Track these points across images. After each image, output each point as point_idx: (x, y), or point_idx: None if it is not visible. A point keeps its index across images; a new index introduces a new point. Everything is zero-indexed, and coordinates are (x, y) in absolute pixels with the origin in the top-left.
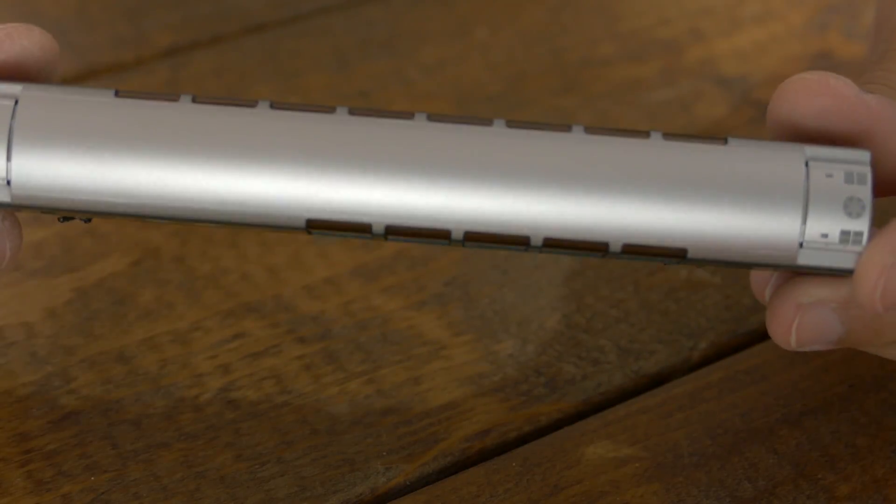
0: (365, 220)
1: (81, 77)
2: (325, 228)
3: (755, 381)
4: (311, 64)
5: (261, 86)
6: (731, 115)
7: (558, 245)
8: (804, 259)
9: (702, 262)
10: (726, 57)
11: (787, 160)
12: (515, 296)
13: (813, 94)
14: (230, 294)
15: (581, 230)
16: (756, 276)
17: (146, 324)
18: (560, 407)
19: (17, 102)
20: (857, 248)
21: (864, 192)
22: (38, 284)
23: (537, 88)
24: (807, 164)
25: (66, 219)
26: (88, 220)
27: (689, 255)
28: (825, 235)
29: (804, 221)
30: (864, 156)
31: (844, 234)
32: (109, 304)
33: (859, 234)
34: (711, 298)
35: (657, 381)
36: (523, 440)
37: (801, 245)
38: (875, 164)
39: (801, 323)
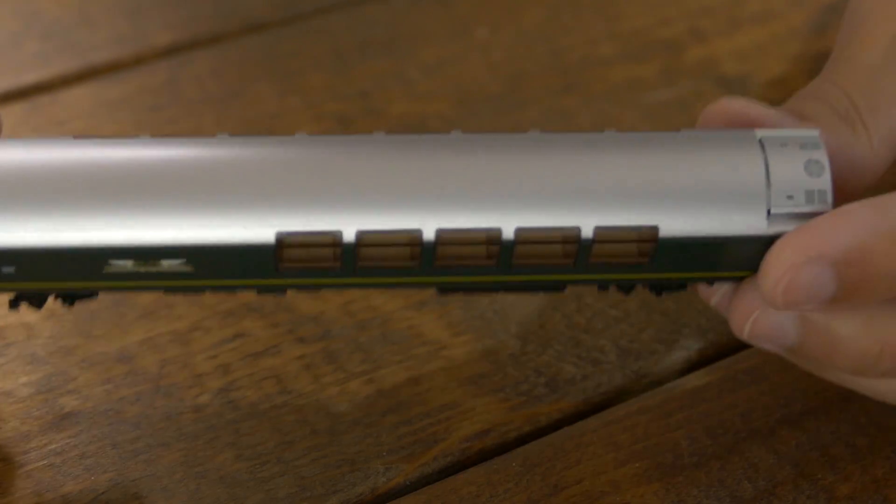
0: (335, 227)
1: (81, 77)
2: (296, 246)
3: (755, 381)
4: (311, 64)
5: (261, 86)
6: None
7: (529, 241)
8: (774, 227)
9: (673, 248)
10: (726, 57)
11: (741, 138)
12: (515, 296)
13: (733, 124)
14: (230, 294)
15: (551, 216)
16: (734, 314)
17: (146, 324)
18: (560, 407)
19: None
20: (825, 208)
21: (821, 155)
22: None
23: (537, 88)
24: (760, 141)
25: (14, 302)
26: (40, 304)
27: (662, 232)
28: (791, 197)
29: (768, 185)
30: (813, 132)
31: (809, 194)
32: (109, 304)
33: (823, 192)
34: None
35: (657, 381)
36: (523, 440)
37: (769, 213)
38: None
39: (759, 317)
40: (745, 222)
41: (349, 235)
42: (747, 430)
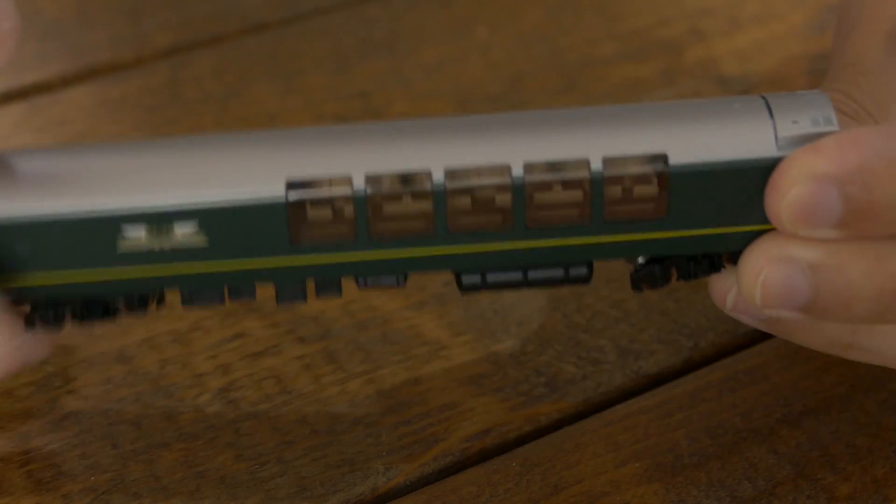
0: (345, 172)
1: (81, 77)
2: (305, 186)
3: (755, 381)
4: (311, 64)
5: (261, 86)
6: None
7: (537, 170)
8: (783, 150)
9: (683, 177)
10: (726, 57)
11: (745, 98)
12: (515, 296)
13: None
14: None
15: (559, 149)
16: (716, 284)
17: (146, 324)
18: (560, 407)
19: None
20: (831, 128)
21: (824, 101)
22: None
23: (537, 88)
24: (763, 96)
25: (30, 319)
26: (58, 321)
27: (671, 160)
28: (796, 122)
29: (772, 115)
30: (818, 93)
31: (814, 119)
32: None
33: (828, 116)
34: (711, 298)
35: (657, 381)
36: (523, 440)
37: (776, 137)
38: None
39: (767, 277)
40: (753, 145)
41: (358, 180)
42: (747, 430)
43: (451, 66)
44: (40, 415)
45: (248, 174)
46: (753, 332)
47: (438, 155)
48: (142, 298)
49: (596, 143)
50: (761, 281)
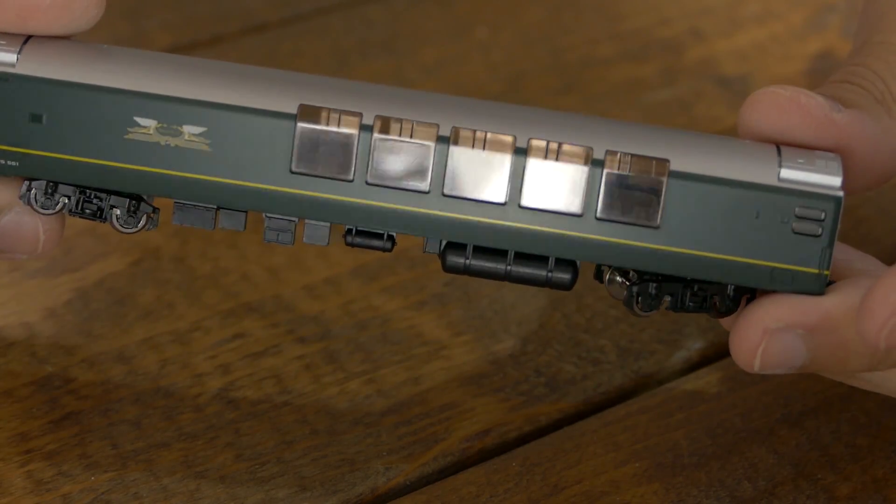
0: (356, 108)
1: None
2: (316, 113)
3: (755, 381)
4: (311, 64)
5: None
6: (730, 115)
7: (537, 149)
8: (787, 173)
9: (682, 185)
10: (726, 57)
11: (759, 145)
12: (515, 296)
13: (782, 111)
14: (230, 294)
15: (565, 132)
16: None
17: (146, 324)
18: (560, 407)
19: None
20: (835, 173)
21: (836, 158)
22: (38, 284)
23: (537, 88)
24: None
25: (27, 191)
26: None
27: (672, 166)
28: (801, 161)
29: (779, 153)
30: (833, 158)
31: (821, 161)
32: (109, 304)
33: (833, 163)
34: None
35: (657, 381)
36: (523, 440)
37: (780, 164)
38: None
39: (766, 348)
40: (755, 170)
41: (368, 118)
42: (747, 430)
43: (451, 66)
44: (40, 415)
45: (265, 92)
46: None
47: (449, 115)
48: (133, 205)
49: (602, 137)
50: (760, 351)
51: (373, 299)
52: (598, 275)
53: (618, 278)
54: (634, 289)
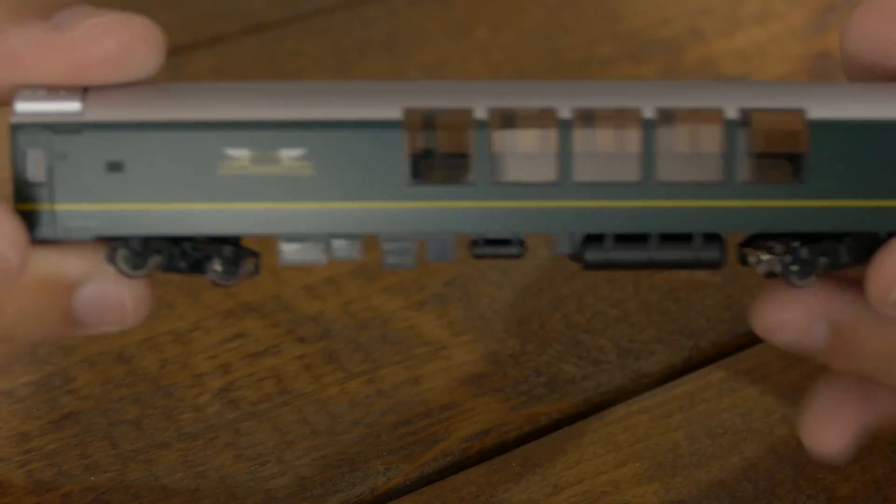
0: (466, 105)
1: None
2: (424, 123)
3: (755, 381)
4: (311, 64)
5: None
6: None
7: (670, 118)
8: None
9: (823, 133)
10: (726, 57)
11: (887, 84)
12: (515, 296)
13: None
14: (230, 294)
15: (694, 96)
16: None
17: (146, 324)
18: (560, 407)
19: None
20: None
21: None
22: None
23: None
24: None
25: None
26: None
27: (810, 115)
28: None
29: None
30: None
31: None
32: None
33: None
34: (711, 298)
35: (657, 381)
36: (523, 440)
37: None
38: None
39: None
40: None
41: (480, 112)
42: (747, 430)
43: (451, 66)
44: (40, 415)
45: (360, 102)
46: (753, 332)
47: (562, 98)
48: (232, 251)
49: (728, 97)
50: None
51: (373, 299)
52: (743, 259)
53: (764, 257)
54: (788, 258)
